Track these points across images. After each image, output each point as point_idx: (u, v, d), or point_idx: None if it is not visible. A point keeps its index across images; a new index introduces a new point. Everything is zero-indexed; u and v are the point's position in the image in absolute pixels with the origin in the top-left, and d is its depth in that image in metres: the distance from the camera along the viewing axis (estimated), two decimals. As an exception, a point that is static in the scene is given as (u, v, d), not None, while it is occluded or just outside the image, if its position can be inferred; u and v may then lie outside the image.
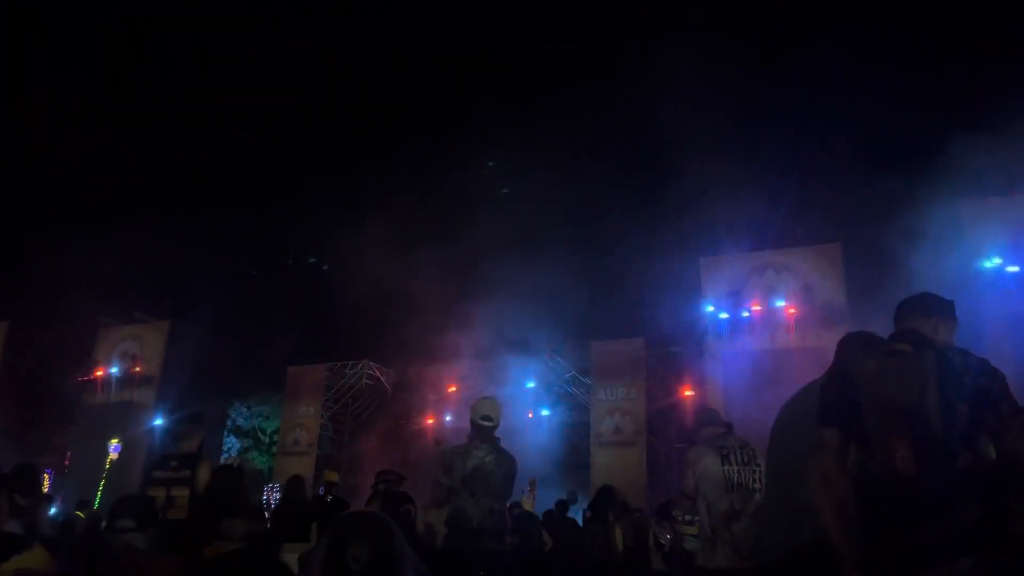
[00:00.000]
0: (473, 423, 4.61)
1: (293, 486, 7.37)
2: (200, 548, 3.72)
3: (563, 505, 8.84)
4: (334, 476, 8.39)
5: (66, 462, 22.77)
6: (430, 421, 21.33)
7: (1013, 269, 14.19)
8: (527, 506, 7.09)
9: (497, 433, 4.62)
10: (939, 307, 2.70)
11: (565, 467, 20.28)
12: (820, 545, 2.42)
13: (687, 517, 6.68)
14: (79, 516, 10.25)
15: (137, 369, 21.99)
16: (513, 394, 19.52)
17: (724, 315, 16.80)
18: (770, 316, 16.41)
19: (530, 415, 20.29)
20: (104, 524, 5.58)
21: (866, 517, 2.38)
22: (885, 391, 2.37)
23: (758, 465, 4.17)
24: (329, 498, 7.59)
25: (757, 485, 4.09)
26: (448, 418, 20.74)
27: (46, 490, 20.32)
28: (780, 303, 16.42)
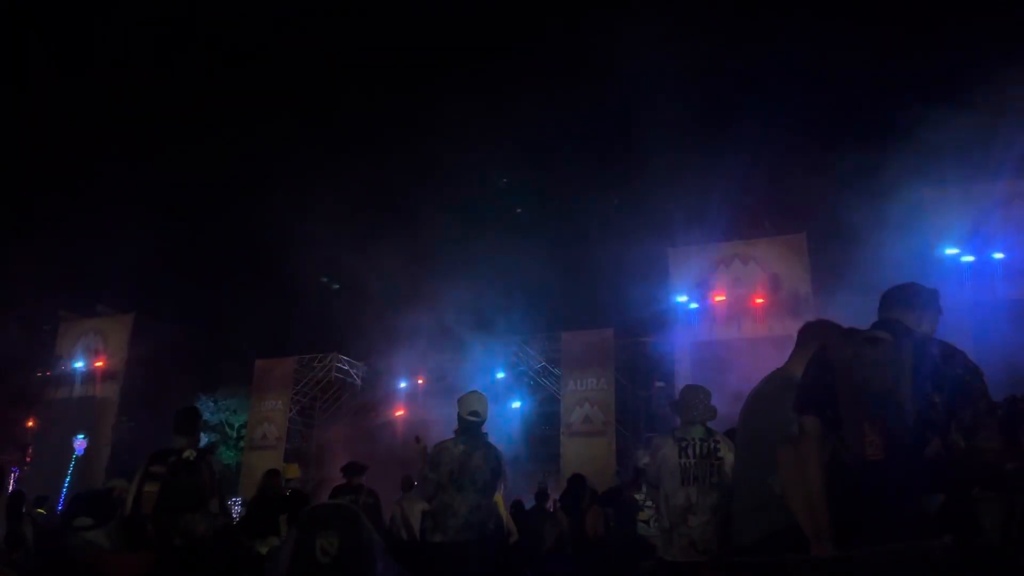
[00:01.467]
0: (460, 418, 4.58)
1: (269, 480, 7.31)
2: (161, 544, 3.67)
3: (544, 495, 8.85)
4: (295, 471, 8.34)
5: (27, 458, 22.35)
6: (399, 413, 21.26)
7: (968, 259, 14.45)
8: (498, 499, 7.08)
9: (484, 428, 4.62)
10: (925, 298, 2.71)
11: (535, 457, 20.38)
12: (792, 531, 2.46)
13: (642, 501, 6.73)
14: (40, 512, 10.05)
15: (100, 363, 21.60)
16: (483, 385, 19.49)
17: (693, 305, 16.94)
18: (737, 306, 16.58)
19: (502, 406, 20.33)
20: (61, 522, 5.48)
21: (836, 502, 2.41)
22: (860, 377, 2.40)
23: (719, 459, 4.12)
24: (288, 492, 7.53)
25: (715, 479, 4.04)
26: (418, 410, 20.69)
27: (11, 487, 19.99)
28: (747, 293, 16.59)
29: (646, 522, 6.00)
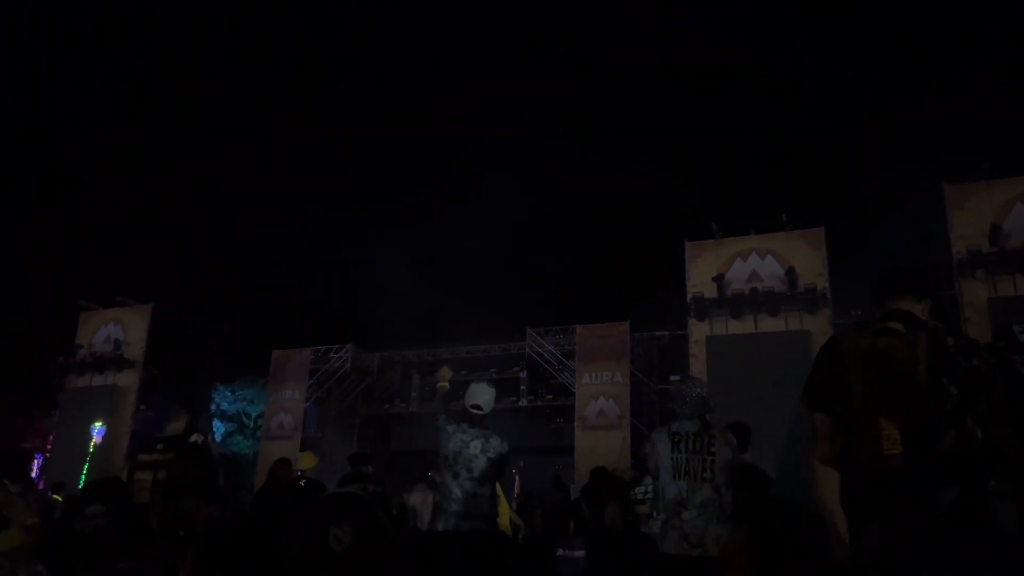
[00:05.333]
0: (464, 409, 4.61)
1: (279, 469, 7.34)
2: (165, 534, 3.69)
3: (562, 484, 8.88)
4: (311, 460, 8.33)
5: (48, 445, 22.64)
6: (413, 406, 21.37)
7: (989, 253, 14.31)
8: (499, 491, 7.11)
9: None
10: (929, 289, 2.63)
11: (549, 451, 20.42)
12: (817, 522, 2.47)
13: (640, 494, 6.75)
14: (56, 499, 10.17)
15: (120, 353, 21.83)
16: (498, 378, 19.54)
17: (709, 299, 16.86)
18: (754, 300, 16.49)
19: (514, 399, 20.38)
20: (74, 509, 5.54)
21: (851, 497, 2.40)
22: (875, 370, 2.37)
23: (712, 454, 4.11)
24: (303, 482, 7.56)
25: (708, 475, 4.04)
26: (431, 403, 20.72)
27: (34, 474, 20.26)
28: (764, 287, 16.49)
29: (650, 515, 6.01)
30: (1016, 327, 3.75)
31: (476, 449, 4.42)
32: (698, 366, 16.51)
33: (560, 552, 6.84)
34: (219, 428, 24.08)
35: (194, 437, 4.57)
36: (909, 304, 2.54)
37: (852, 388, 2.40)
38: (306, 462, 8.33)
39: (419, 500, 7.72)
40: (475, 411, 4.56)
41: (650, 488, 6.47)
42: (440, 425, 4.49)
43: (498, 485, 4.79)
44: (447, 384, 4.75)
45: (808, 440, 2.94)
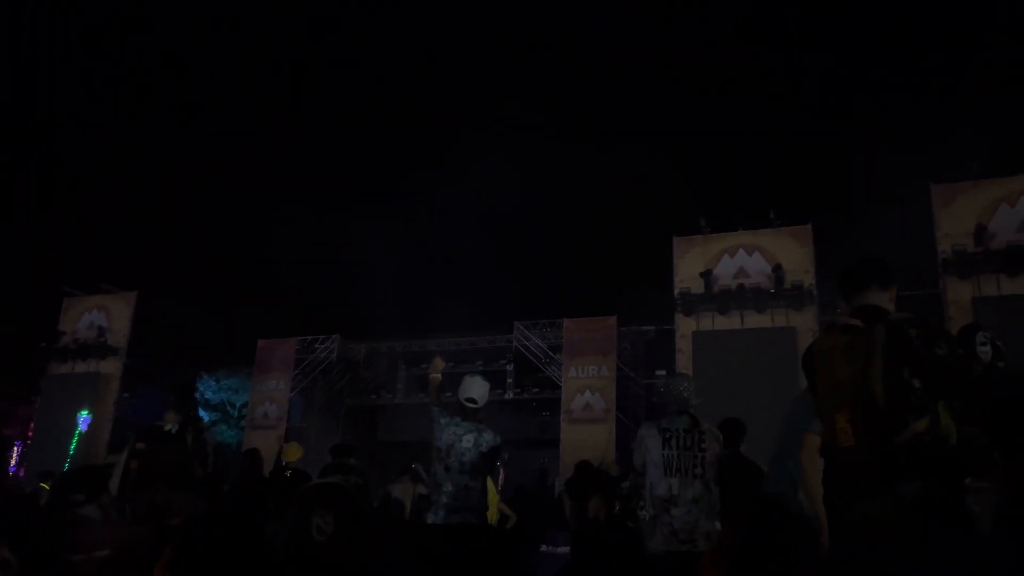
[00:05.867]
0: (458, 402, 4.59)
1: (249, 459, 7.31)
2: (136, 522, 3.65)
3: (546, 476, 8.88)
4: (297, 451, 8.30)
5: (29, 432, 22.44)
6: (400, 397, 21.33)
7: (976, 253, 14.41)
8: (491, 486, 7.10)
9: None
10: (892, 275, 2.63)
11: (535, 444, 20.44)
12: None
13: (626, 489, 6.75)
14: (43, 488, 10.09)
15: (103, 340, 21.65)
16: (485, 371, 19.53)
17: (695, 294, 16.90)
18: (741, 296, 16.54)
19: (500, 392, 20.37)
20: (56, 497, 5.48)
21: (824, 491, 2.47)
22: (832, 366, 2.40)
23: (702, 450, 4.10)
24: (288, 472, 7.53)
25: (698, 471, 4.03)
26: (418, 394, 20.72)
27: (14, 462, 20.07)
28: (751, 283, 16.54)
29: (636, 509, 6.01)
30: (981, 335, 3.64)
31: (469, 443, 4.41)
32: (684, 361, 16.56)
33: (544, 548, 6.83)
34: (203, 417, 23.97)
35: (168, 425, 4.51)
36: (875, 295, 2.54)
37: (818, 387, 2.47)
38: (292, 453, 8.30)
39: (401, 492, 7.70)
40: (469, 404, 4.54)
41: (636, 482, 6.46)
42: (433, 417, 4.46)
43: (488, 478, 4.78)
44: (439, 376, 4.70)
45: (794, 435, 3.01)
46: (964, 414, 2.21)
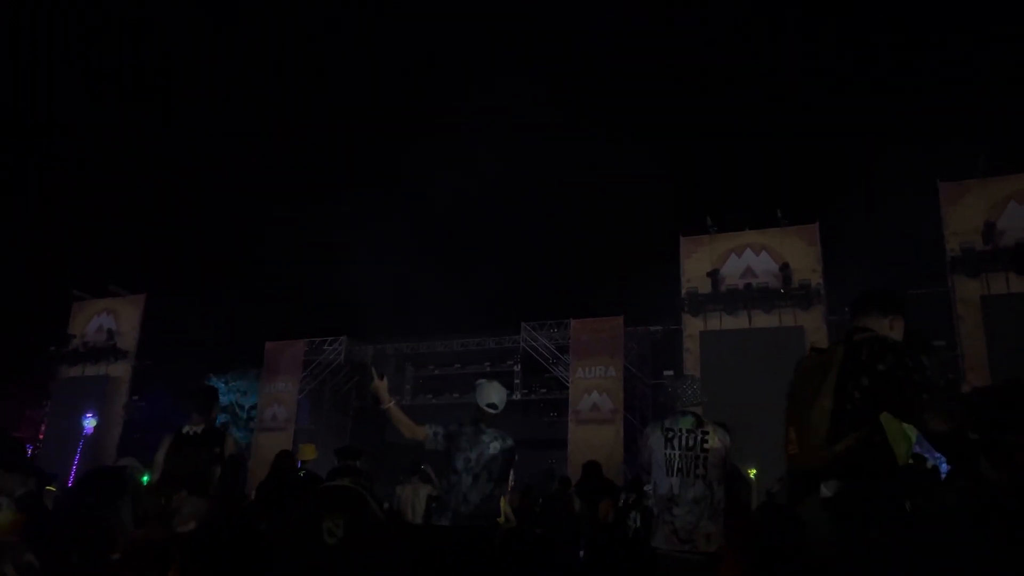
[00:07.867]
0: (477, 407, 4.58)
1: (282, 461, 7.30)
2: (151, 525, 3.66)
3: (554, 477, 8.87)
4: (311, 452, 8.30)
5: (40, 435, 22.56)
6: (407, 399, 21.34)
7: (982, 251, 14.37)
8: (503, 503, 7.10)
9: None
10: (896, 305, 2.76)
11: (543, 444, 20.43)
12: None
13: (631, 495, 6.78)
14: (49, 491, 10.12)
15: (113, 343, 21.75)
16: (492, 372, 19.54)
17: (703, 294, 16.88)
18: (748, 295, 16.51)
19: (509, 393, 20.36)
20: (72, 499, 5.50)
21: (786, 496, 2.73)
22: (798, 383, 2.64)
23: (705, 450, 4.10)
24: (302, 473, 7.53)
25: (700, 471, 4.03)
26: (426, 396, 20.74)
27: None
28: (758, 282, 16.51)
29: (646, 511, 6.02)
30: (929, 346, 3.82)
31: (495, 450, 4.41)
32: (692, 361, 16.55)
33: (558, 547, 6.86)
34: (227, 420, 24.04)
35: (186, 429, 4.52)
36: (873, 320, 2.69)
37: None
38: (307, 454, 8.30)
39: (410, 492, 7.70)
40: (491, 410, 4.53)
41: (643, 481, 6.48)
42: (453, 433, 4.41)
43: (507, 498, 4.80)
44: (385, 383, 4.58)
45: None
46: (953, 413, 2.33)
